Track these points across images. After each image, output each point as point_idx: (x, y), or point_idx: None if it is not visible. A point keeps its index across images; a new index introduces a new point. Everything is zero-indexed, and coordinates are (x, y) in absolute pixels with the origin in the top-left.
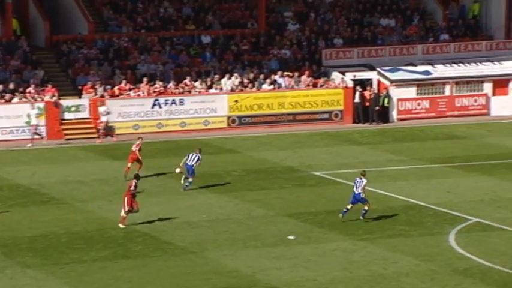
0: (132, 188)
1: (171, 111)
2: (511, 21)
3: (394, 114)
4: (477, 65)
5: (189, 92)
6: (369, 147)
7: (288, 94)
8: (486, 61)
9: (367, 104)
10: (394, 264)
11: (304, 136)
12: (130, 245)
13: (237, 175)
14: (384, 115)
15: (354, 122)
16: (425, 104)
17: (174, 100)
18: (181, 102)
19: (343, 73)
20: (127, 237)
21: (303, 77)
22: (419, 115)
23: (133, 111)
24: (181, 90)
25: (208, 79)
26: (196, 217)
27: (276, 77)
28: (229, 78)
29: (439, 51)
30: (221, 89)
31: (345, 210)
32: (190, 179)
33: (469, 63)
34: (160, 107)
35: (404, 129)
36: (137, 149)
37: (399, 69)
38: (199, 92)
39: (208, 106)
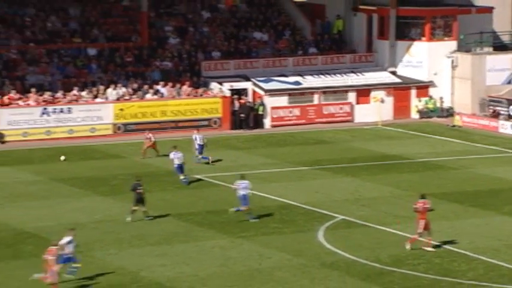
0: (427, 206)
1: (59, 119)
2: (371, 36)
3: (268, 121)
4: (342, 76)
5: (77, 101)
6: (245, 151)
7: (170, 103)
8: (350, 72)
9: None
10: (268, 260)
11: (185, 142)
12: (20, 246)
13: (122, 179)
14: (258, 122)
15: (232, 128)
16: (296, 111)
17: (62, 109)
18: (69, 111)
19: (221, 83)
20: (16, 238)
21: (184, 87)
22: (290, 122)
23: (23, 119)
24: (69, 99)
25: (94, 89)
26: (84, 219)
27: (159, 87)
28: (114, 88)
29: (308, 63)
30: (107, 98)
31: None
32: (202, 156)
33: (334, 74)
34: (48, 115)
35: (277, 135)
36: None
37: (272, 80)
38: (86, 101)
39: (95, 114)
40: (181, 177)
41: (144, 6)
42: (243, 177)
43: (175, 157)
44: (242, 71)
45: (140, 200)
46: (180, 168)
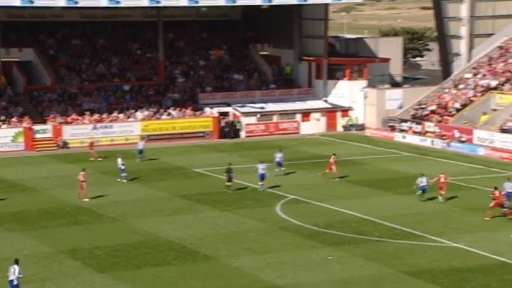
0: None
1: (105, 132)
2: (311, 77)
3: (243, 133)
4: (292, 103)
5: (116, 120)
6: (228, 153)
7: (178, 121)
8: (297, 101)
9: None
10: (244, 225)
11: (188, 147)
12: (79, 216)
13: (147, 172)
14: (236, 134)
15: (219, 138)
16: (262, 127)
17: (106, 125)
18: (111, 127)
19: (212, 108)
20: (76, 211)
21: (187, 111)
22: (258, 134)
23: (80, 132)
24: (111, 119)
25: (128, 112)
26: (123, 198)
27: (171, 111)
28: (141, 111)
29: (270, 95)
30: (136, 118)
31: None
32: (282, 168)
33: (287, 101)
34: (97, 130)
35: (249, 143)
36: (333, 161)
37: (246, 106)
38: (122, 120)
39: (128, 129)
40: (281, 169)
41: (161, 57)
42: (262, 161)
43: (278, 156)
44: (226, 99)
45: (230, 179)
46: (279, 164)
